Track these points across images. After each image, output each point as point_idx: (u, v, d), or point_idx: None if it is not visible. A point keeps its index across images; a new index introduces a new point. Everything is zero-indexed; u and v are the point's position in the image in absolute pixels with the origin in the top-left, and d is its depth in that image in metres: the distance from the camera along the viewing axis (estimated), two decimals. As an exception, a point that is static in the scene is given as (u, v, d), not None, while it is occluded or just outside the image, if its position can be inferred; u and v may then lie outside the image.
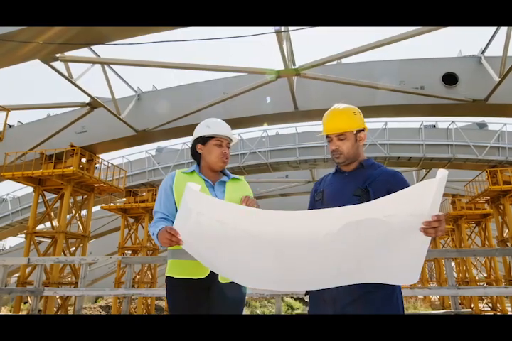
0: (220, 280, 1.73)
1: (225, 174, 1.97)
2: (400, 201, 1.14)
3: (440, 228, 1.16)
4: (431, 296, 24.88)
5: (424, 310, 18.87)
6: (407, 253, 1.22)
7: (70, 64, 9.17)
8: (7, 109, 10.47)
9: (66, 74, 9.14)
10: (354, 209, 1.16)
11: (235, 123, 11.21)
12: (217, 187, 1.88)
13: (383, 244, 1.20)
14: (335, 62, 10.11)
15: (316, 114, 10.76)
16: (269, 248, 1.26)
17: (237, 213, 1.31)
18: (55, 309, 11.78)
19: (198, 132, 1.94)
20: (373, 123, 15.12)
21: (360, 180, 1.60)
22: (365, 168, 1.68)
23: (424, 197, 1.13)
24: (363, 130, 1.70)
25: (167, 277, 1.81)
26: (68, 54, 8.73)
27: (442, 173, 1.14)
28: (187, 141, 16.72)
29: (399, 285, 1.53)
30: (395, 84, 9.80)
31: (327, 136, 1.69)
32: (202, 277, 1.72)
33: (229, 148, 1.94)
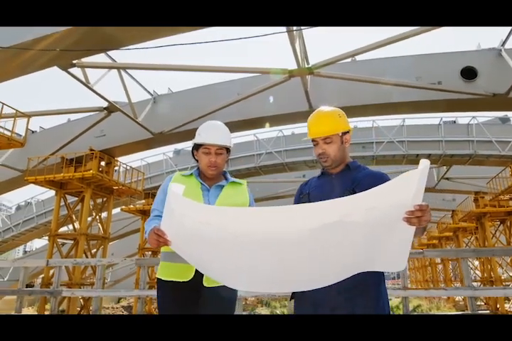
0: (205, 283, 1.73)
1: (226, 178, 1.97)
2: (383, 193, 1.15)
3: (424, 218, 1.16)
4: (455, 296, 24.25)
5: (447, 310, 18.43)
6: (393, 242, 1.24)
7: (86, 69, 9.37)
8: (28, 115, 10.78)
9: (83, 79, 9.35)
10: (336, 203, 1.17)
11: (250, 123, 11.25)
12: (212, 191, 1.88)
13: (368, 236, 1.21)
14: (349, 60, 9.99)
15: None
16: (254, 248, 1.26)
17: (217, 214, 1.32)
18: (78, 309, 12.07)
19: (194, 138, 1.95)
20: (391, 120, 14.90)
21: (347, 182, 1.58)
22: (352, 169, 1.67)
23: (406, 188, 1.14)
24: (347, 132, 1.68)
25: (156, 278, 1.85)
26: (85, 60, 8.93)
27: (424, 163, 1.13)
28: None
29: (385, 289, 1.51)
30: (411, 80, 9.61)
31: (313, 140, 1.67)
32: (186, 280, 1.73)
33: (221, 154, 1.90)
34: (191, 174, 1.94)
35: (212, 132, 1.90)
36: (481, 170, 16.20)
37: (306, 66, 8.86)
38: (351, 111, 10.56)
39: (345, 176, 1.64)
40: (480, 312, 7.93)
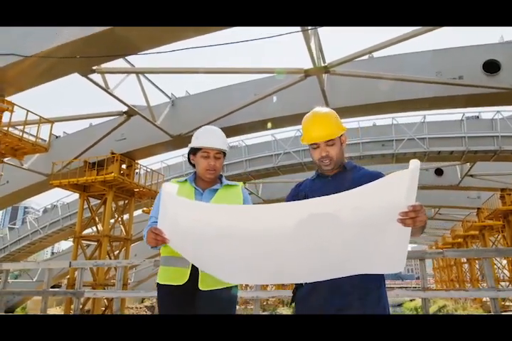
0: (200, 287, 1.73)
1: (221, 181, 1.97)
2: (372, 192, 1.14)
3: (419, 218, 1.14)
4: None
5: (474, 311, 17.90)
6: (390, 244, 1.22)
7: (106, 75, 9.58)
8: (51, 121, 11.11)
9: (103, 85, 9.57)
10: (325, 200, 1.16)
11: (267, 124, 11.23)
12: (206, 195, 1.88)
13: (360, 236, 1.20)
14: (366, 57, 9.85)
15: (349, 111, 10.55)
16: (244, 243, 1.28)
17: (208, 211, 1.35)
18: (102, 309, 12.35)
19: (191, 143, 1.96)
20: (411, 117, 14.60)
21: (344, 183, 1.52)
22: (348, 170, 1.63)
23: (397, 188, 1.12)
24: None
25: (156, 283, 1.87)
26: (104, 66, 9.14)
27: (414, 164, 1.11)
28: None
29: (385, 291, 1.49)
30: (431, 75, 9.39)
31: (312, 143, 1.61)
32: (181, 283, 1.74)
33: (219, 158, 1.91)
34: (186, 180, 1.95)
35: (211, 136, 1.92)
36: (507, 166, 15.67)
37: (322, 65, 8.79)
38: (369, 108, 10.43)
39: (343, 177, 1.60)
40: (506, 313, 7.68)
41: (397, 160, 14.39)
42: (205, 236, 1.34)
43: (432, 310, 23.63)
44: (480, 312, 17.13)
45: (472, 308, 19.20)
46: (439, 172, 16.85)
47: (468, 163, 15.41)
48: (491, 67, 9.23)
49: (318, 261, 1.29)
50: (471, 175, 15.89)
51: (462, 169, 16.17)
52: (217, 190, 1.91)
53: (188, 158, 1.99)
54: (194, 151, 1.93)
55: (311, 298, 1.43)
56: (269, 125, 11.04)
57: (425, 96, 9.73)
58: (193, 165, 1.97)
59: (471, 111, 14.77)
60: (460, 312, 15.28)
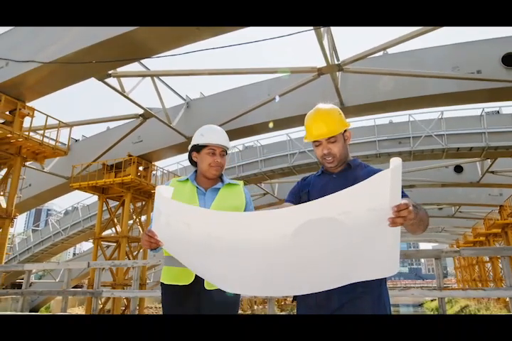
0: (206, 287, 1.72)
1: (222, 180, 1.95)
2: (356, 196, 1.10)
3: (408, 216, 1.10)
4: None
5: (497, 311, 17.43)
6: (381, 247, 1.18)
7: (121, 79, 9.75)
8: (70, 126, 11.39)
9: (119, 89, 9.74)
10: (307, 207, 1.13)
11: (280, 124, 11.22)
12: (208, 195, 1.87)
13: (350, 242, 1.17)
14: (381, 53, 9.72)
15: (365, 109, 10.44)
16: (235, 251, 1.26)
17: (199, 216, 1.33)
18: (122, 308, 12.59)
19: (193, 140, 1.94)
20: (428, 113, 14.33)
21: (349, 181, 1.50)
22: (353, 168, 1.60)
23: (380, 189, 1.08)
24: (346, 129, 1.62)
25: (160, 282, 1.86)
26: (120, 70, 9.30)
27: (395, 162, 1.06)
28: (237, 144, 17.04)
29: (386, 289, 1.47)
30: (448, 70, 9.20)
31: (315, 141, 1.60)
32: (187, 283, 1.74)
33: (224, 155, 1.91)
34: (187, 179, 1.93)
35: (216, 134, 1.92)
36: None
37: (336, 62, 8.72)
38: (384, 105, 10.30)
39: (347, 175, 1.57)
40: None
41: (414, 157, 14.15)
42: (195, 241, 1.33)
43: (454, 310, 23.12)
44: (503, 312, 16.67)
45: (496, 308, 18.70)
46: (458, 169, 16.49)
47: (488, 160, 15.02)
48: (510, 60, 8.98)
49: (308, 272, 1.26)
50: (492, 172, 15.48)
51: (483, 165, 15.77)
52: (218, 189, 1.89)
53: (189, 157, 1.97)
54: (198, 149, 1.91)
55: (310, 297, 1.42)
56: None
57: (443, 92, 9.55)
58: (194, 164, 1.96)
59: (491, 106, 14.42)
60: (483, 312, 14.90)
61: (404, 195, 1.42)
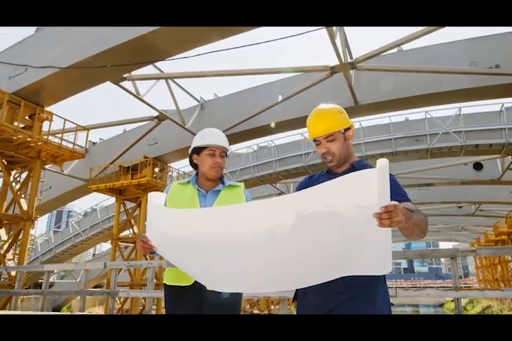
0: (208, 287, 1.72)
1: (223, 182, 1.98)
2: (340, 189, 1.10)
3: (396, 219, 1.08)
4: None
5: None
6: (370, 244, 1.18)
7: (136, 82, 9.90)
8: (87, 129, 11.62)
9: (134, 92, 9.90)
10: (294, 197, 1.15)
11: (294, 123, 11.17)
12: (209, 197, 1.89)
13: (338, 236, 1.17)
14: (395, 50, 9.58)
15: (380, 107, 10.31)
16: (225, 249, 1.27)
17: (190, 216, 1.35)
18: (140, 308, 12.78)
19: (194, 143, 1.98)
20: (445, 110, 14.05)
21: None
22: (357, 169, 1.55)
23: (366, 188, 1.08)
24: (349, 128, 1.61)
25: (163, 284, 1.90)
26: (134, 73, 9.45)
27: (381, 163, 1.07)
28: (251, 144, 17.07)
29: (383, 290, 1.45)
30: (465, 66, 9.01)
31: (315, 140, 1.61)
32: (188, 284, 1.75)
33: (223, 157, 1.95)
34: (188, 182, 1.96)
35: (216, 136, 1.96)
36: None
37: (349, 60, 8.65)
38: (400, 103, 10.15)
39: None
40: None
41: (431, 155, 13.89)
42: (186, 242, 1.35)
43: (476, 310, 22.59)
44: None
45: (520, 309, 18.20)
46: (478, 166, 16.10)
47: (509, 156, 14.62)
48: (530, 53, 8.72)
49: (296, 266, 1.26)
50: (514, 169, 15.07)
51: (503, 162, 15.36)
52: (219, 191, 1.92)
53: (190, 160, 2.01)
54: (198, 151, 1.95)
55: (307, 297, 1.43)
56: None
57: (460, 88, 9.35)
58: (195, 167, 2.00)
59: (510, 102, 14.02)
60: (505, 312, 14.51)
61: (406, 200, 1.41)
